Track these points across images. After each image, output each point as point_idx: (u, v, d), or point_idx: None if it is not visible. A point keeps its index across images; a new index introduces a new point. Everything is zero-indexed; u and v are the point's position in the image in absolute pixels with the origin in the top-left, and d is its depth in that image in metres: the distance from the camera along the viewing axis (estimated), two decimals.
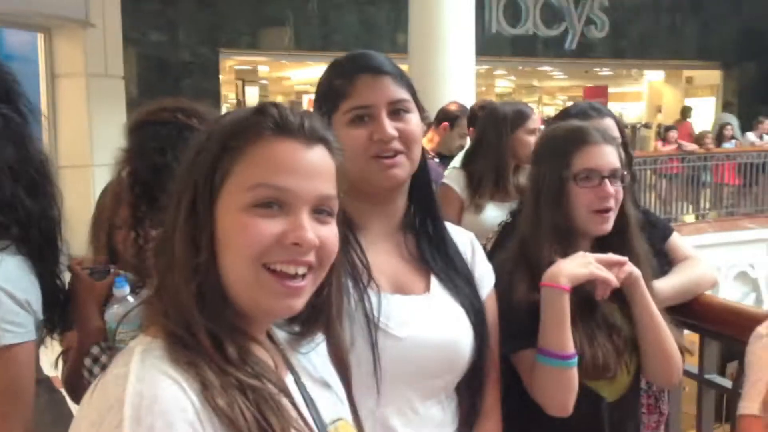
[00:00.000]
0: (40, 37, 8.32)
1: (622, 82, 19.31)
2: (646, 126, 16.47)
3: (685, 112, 13.94)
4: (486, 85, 18.04)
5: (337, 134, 1.31)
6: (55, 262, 1.64)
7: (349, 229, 1.37)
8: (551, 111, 18.15)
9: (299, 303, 0.95)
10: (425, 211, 1.44)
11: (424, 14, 7.25)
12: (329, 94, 1.38)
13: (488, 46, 11.23)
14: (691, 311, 2.13)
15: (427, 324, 1.34)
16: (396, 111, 1.35)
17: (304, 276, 0.94)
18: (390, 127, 1.33)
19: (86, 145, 7.95)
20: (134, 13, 9.89)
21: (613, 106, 16.58)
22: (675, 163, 9.94)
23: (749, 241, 8.58)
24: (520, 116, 3.23)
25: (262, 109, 0.97)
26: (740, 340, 1.78)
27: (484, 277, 1.49)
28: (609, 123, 2.29)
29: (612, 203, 1.70)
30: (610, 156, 1.72)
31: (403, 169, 1.35)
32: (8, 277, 1.47)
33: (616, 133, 2.27)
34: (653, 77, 17.97)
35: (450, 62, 7.10)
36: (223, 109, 12.95)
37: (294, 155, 0.94)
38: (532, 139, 3.11)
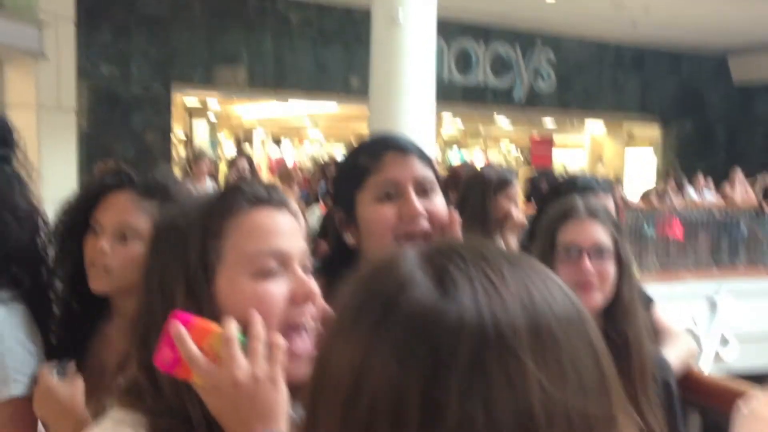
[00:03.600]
0: None
1: (566, 131, 19.81)
2: None
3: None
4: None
5: (363, 212, 1.37)
6: (49, 314, 1.55)
7: None
8: (495, 156, 18.52)
9: None
10: None
11: (385, 59, 7.31)
12: (355, 171, 1.40)
13: (440, 93, 11.40)
14: (686, 387, 2.05)
15: None
16: (423, 190, 1.38)
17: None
18: (418, 203, 1.35)
19: (36, 179, 7.70)
20: (87, 45, 9.73)
21: (557, 155, 17.00)
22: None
23: (690, 295, 8.82)
24: (504, 182, 3.22)
25: (231, 187, 1.01)
26: (725, 415, 1.78)
27: None
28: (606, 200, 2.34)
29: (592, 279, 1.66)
30: (592, 231, 1.70)
31: None
32: (21, 325, 1.42)
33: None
34: (596, 131, 18.48)
35: (411, 108, 7.16)
36: (173, 141, 12.74)
37: (274, 219, 0.98)
38: (510, 206, 3.12)
